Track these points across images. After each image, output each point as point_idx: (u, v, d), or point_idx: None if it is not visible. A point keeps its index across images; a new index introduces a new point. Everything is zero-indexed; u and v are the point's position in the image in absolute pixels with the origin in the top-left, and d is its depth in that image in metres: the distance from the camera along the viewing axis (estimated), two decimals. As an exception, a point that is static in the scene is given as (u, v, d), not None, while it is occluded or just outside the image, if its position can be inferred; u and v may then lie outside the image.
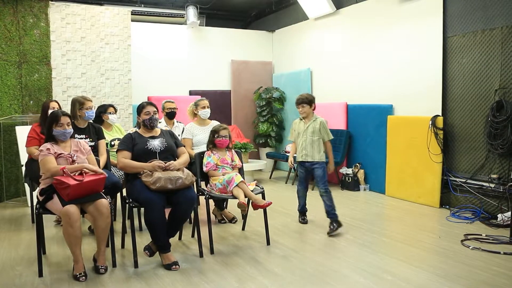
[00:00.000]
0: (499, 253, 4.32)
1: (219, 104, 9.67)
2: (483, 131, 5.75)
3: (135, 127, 5.38)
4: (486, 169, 5.76)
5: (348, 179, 7.61)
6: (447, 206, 6.16)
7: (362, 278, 3.76)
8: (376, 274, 3.85)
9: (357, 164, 7.67)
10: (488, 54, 5.72)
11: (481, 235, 4.91)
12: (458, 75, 6.13)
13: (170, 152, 4.38)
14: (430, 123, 6.21)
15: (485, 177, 5.75)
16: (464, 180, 5.99)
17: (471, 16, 5.92)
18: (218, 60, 9.99)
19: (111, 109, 5.80)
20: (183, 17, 9.67)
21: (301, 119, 5.55)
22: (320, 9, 8.47)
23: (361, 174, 7.58)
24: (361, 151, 7.79)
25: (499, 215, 5.35)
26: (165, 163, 4.15)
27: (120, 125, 6.20)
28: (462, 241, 4.73)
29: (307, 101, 5.46)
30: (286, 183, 8.40)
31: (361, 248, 4.52)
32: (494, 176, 5.56)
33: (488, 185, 5.66)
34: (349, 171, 7.65)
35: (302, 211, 5.70)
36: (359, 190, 7.54)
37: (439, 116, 6.24)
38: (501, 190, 5.45)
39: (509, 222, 4.95)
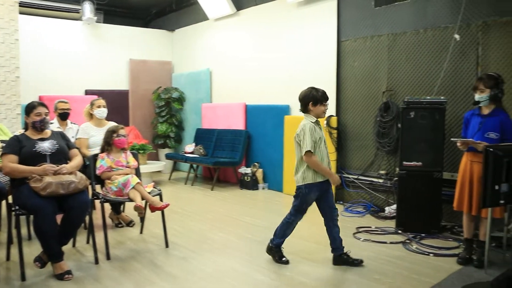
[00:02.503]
0: (385, 242, 4.62)
1: (116, 104, 9.29)
2: (372, 130, 6.12)
3: (23, 128, 4.99)
4: (375, 165, 6.14)
5: (247, 179, 7.69)
6: (341, 202, 6.47)
7: (261, 275, 3.82)
8: (275, 270, 3.93)
9: (256, 163, 7.79)
10: (376, 58, 6.10)
11: (370, 227, 5.23)
12: (350, 77, 6.46)
13: (61, 154, 4.01)
14: (325, 123, 6.48)
15: (374, 173, 6.13)
16: (356, 177, 6.34)
17: (362, 23, 6.28)
18: (115, 59, 9.62)
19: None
20: (79, 13, 9.20)
21: (314, 122, 4.01)
22: (220, 10, 8.50)
23: (259, 173, 7.71)
24: (260, 151, 7.93)
25: (387, 208, 5.73)
26: (56, 166, 3.86)
27: (4, 126, 5.70)
28: (354, 234, 4.99)
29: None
30: (185, 184, 8.31)
31: (260, 246, 4.57)
32: (382, 172, 5.94)
33: (377, 180, 6.05)
34: (248, 170, 7.75)
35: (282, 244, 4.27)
36: (257, 189, 7.66)
37: (333, 116, 6.54)
38: (388, 184, 5.84)
39: (395, 214, 5.31)
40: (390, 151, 5.88)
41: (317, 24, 6.85)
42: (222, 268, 3.99)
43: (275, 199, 7.01)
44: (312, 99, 3.97)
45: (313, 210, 6.18)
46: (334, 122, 6.51)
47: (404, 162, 5.12)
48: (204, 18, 9.07)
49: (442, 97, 5.08)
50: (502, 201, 2.83)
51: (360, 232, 5.08)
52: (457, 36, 5.16)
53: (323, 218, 4.14)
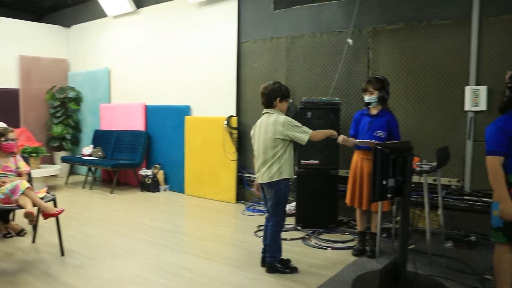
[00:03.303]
0: (286, 239, 4.74)
1: (5, 104, 8.63)
2: (271, 130, 6.25)
3: None
4: (275, 165, 6.28)
5: (148, 181, 7.53)
6: (243, 201, 6.55)
7: (161, 278, 3.75)
8: (176, 272, 3.87)
9: (157, 165, 7.64)
10: (275, 60, 6.26)
11: (271, 225, 5.33)
12: (250, 78, 6.57)
13: None
14: (225, 123, 6.52)
15: (274, 173, 6.26)
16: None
17: (261, 25, 6.40)
18: (3, 55, 8.86)
19: None
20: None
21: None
22: (119, 7, 8.23)
23: (160, 175, 7.58)
24: (160, 152, 7.79)
25: (287, 206, 5.86)
26: None
27: None
28: (255, 232, 5.07)
29: None
30: (83, 188, 7.93)
31: (161, 249, 4.51)
32: (282, 171, 6.09)
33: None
34: (149, 172, 7.58)
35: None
36: (159, 191, 7.52)
37: (234, 116, 6.60)
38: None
39: (294, 211, 5.47)
40: (289, 150, 6.04)
41: (218, 25, 6.88)
42: (121, 273, 3.87)
43: (177, 200, 6.93)
44: (280, 95, 3.81)
45: (216, 210, 6.21)
46: (234, 122, 6.58)
47: (302, 161, 5.30)
48: (103, 14, 8.72)
49: (337, 98, 5.33)
50: (389, 195, 3.02)
51: (261, 230, 5.15)
52: (350, 41, 5.44)
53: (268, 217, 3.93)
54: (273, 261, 3.83)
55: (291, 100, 3.96)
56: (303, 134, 3.69)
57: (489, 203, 2.96)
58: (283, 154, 3.73)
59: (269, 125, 3.75)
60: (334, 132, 3.95)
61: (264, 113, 3.87)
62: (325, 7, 5.77)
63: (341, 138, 4.11)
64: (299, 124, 3.74)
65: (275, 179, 3.73)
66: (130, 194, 7.38)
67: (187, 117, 7.22)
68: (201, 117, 7.10)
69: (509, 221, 2.80)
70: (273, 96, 3.79)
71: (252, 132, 3.99)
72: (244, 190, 6.60)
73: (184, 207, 6.52)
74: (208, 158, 6.86)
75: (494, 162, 2.86)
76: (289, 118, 3.74)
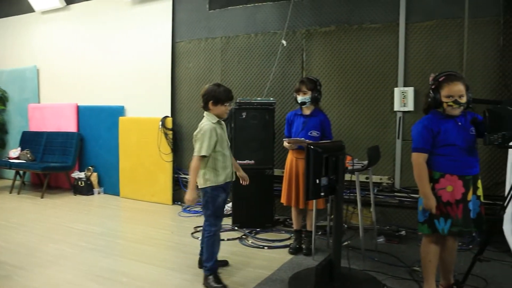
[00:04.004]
0: (223, 240, 4.73)
1: None
2: (208, 131, 6.24)
3: None
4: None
5: (81, 184, 7.28)
6: (179, 202, 6.48)
7: (96, 284, 3.63)
8: (111, 277, 3.77)
9: (90, 167, 7.41)
10: (210, 60, 6.25)
11: (208, 226, 5.32)
12: (185, 78, 6.52)
13: None
14: (160, 123, 6.43)
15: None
16: (193, 177, 6.40)
17: (196, 25, 6.37)
18: None
19: None
20: None
21: (215, 123, 3.62)
22: (47, 3, 7.87)
23: (94, 178, 7.35)
24: (94, 154, 7.56)
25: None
26: None
27: None
28: (192, 233, 5.04)
29: None
30: (10, 193, 7.52)
31: (95, 254, 4.37)
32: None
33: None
34: (82, 175, 7.33)
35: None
36: (93, 194, 7.30)
37: (169, 117, 6.52)
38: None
39: (231, 212, 5.48)
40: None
41: (152, 24, 6.77)
42: (53, 281, 3.70)
43: (111, 203, 6.75)
44: (212, 98, 3.56)
45: (152, 212, 6.12)
46: (169, 123, 6.50)
47: (238, 161, 5.31)
48: (29, 9, 8.28)
49: (271, 98, 5.39)
50: (322, 194, 3.10)
51: (198, 231, 5.13)
52: (284, 42, 5.53)
53: None
54: (206, 271, 3.59)
55: (230, 105, 3.67)
56: (196, 151, 3.47)
57: (417, 198, 3.12)
58: (207, 161, 3.54)
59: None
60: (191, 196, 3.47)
61: None
62: (260, 8, 5.83)
63: (285, 143, 4.26)
64: (207, 140, 3.44)
65: (202, 186, 3.56)
66: (62, 198, 7.10)
67: (121, 118, 7.06)
68: (135, 118, 6.96)
69: (432, 214, 2.97)
70: (206, 99, 3.60)
71: None
72: (180, 191, 6.54)
73: (119, 210, 6.37)
74: (143, 160, 6.74)
75: (419, 159, 3.01)
76: (208, 127, 3.48)
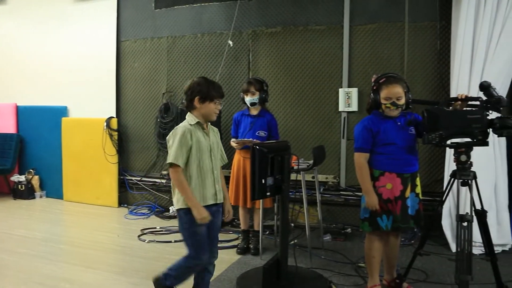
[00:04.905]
0: (171, 242, 4.71)
1: None
2: (153, 131, 6.16)
3: None
4: (158, 166, 6.22)
5: (21, 187, 6.99)
6: (125, 205, 6.37)
7: (37, 291, 3.52)
8: (54, 285, 3.64)
9: (31, 170, 7.13)
10: (156, 60, 6.18)
11: (155, 228, 5.26)
12: (130, 78, 6.40)
13: None
14: (105, 124, 6.29)
15: (157, 174, 6.19)
16: (139, 178, 6.31)
17: (142, 24, 6.27)
18: None
19: None
20: None
21: (193, 125, 2.91)
22: (-21, -4, 7.50)
23: (35, 181, 7.09)
24: (35, 156, 7.28)
25: (171, 208, 5.84)
26: None
27: None
28: (139, 236, 4.95)
29: None
30: None
31: (37, 260, 4.20)
32: (165, 172, 6.04)
33: (160, 181, 6.14)
34: (22, 178, 7.04)
35: None
36: (34, 198, 7.03)
37: (114, 117, 6.39)
38: (171, 185, 5.95)
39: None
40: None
41: (96, 21, 6.59)
42: (-10, 290, 3.56)
43: (54, 207, 6.53)
44: (199, 93, 2.87)
45: (97, 215, 5.98)
46: (114, 123, 6.37)
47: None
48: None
49: (218, 99, 5.37)
50: (268, 193, 3.13)
51: (145, 233, 5.06)
52: (230, 42, 5.53)
53: None
54: (164, 276, 3.04)
55: (220, 104, 2.99)
56: (168, 158, 2.84)
57: (361, 197, 3.22)
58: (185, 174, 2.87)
59: None
60: (203, 214, 2.76)
61: None
62: (206, 8, 5.81)
63: (233, 143, 4.28)
64: (177, 145, 2.80)
65: (176, 207, 2.94)
66: (1, 203, 6.80)
67: (64, 119, 6.84)
68: (79, 119, 6.76)
69: (373, 212, 3.07)
70: (191, 96, 2.89)
71: None
72: (126, 193, 6.42)
73: (62, 214, 6.18)
74: (87, 161, 6.56)
75: (360, 158, 3.12)
76: (180, 130, 2.82)
